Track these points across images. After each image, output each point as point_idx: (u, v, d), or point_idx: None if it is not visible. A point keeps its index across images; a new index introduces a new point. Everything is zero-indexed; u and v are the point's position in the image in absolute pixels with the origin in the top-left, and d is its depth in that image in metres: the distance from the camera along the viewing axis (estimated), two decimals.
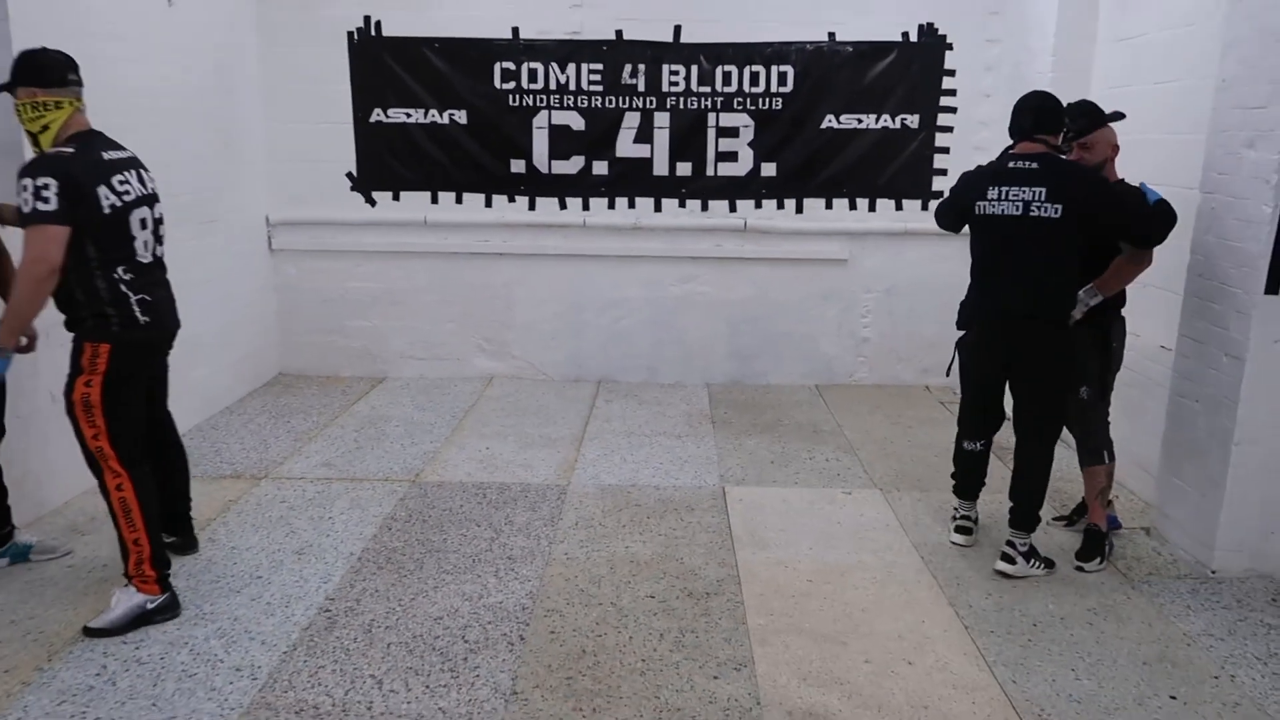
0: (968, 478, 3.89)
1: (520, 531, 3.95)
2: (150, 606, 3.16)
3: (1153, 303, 4.43)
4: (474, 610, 3.29)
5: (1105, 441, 3.74)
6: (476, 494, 4.35)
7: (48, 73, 3.06)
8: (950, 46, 5.96)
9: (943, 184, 6.11)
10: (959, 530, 3.89)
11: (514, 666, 2.95)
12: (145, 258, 3.21)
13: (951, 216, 3.75)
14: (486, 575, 3.55)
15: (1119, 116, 3.68)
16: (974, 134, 6.01)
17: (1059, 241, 3.41)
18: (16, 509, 3.68)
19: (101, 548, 3.70)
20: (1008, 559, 3.58)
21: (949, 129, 6.06)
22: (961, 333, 3.80)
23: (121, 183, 3.11)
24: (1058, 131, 3.53)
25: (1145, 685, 2.90)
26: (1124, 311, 3.83)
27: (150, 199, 3.25)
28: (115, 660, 2.95)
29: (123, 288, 3.11)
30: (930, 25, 5.93)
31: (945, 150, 6.08)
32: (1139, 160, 4.61)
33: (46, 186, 2.88)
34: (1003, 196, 3.45)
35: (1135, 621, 3.28)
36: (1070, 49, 5.14)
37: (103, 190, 3.03)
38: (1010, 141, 3.58)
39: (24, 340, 3.38)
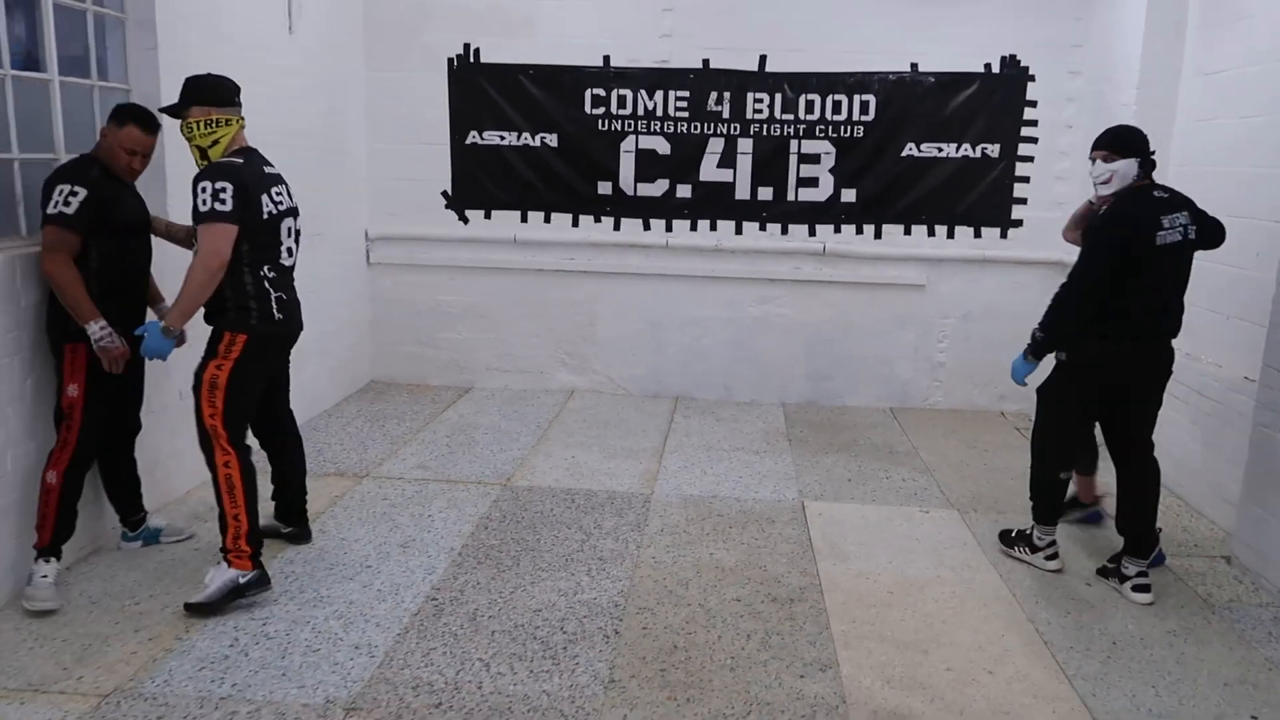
0: (1060, 504, 3.98)
1: (609, 535, 4.14)
2: (243, 581, 3.38)
3: (1237, 334, 4.48)
4: (570, 605, 3.49)
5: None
6: (565, 499, 4.56)
7: (221, 92, 3.43)
8: (1033, 78, 6.06)
9: (1022, 213, 6.21)
10: (1054, 557, 3.91)
11: (610, 657, 3.13)
12: (286, 262, 3.57)
13: (1120, 253, 3.55)
14: (579, 574, 3.75)
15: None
16: (1055, 163, 6.09)
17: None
18: (147, 496, 3.98)
19: None
20: (1144, 588, 3.68)
21: (1030, 159, 6.14)
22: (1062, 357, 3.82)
23: (277, 194, 3.49)
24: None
25: (1226, 705, 2.97)
26: (1206, 343, 3.93)
27: (294, 211, 3.62)
28: (245, 634, 3.21)
29: (266, 284, 3.45)
30: (1013, 57, 6.04)
31: (1025, 179, 6.16)
32: (1221, 191, 4.68)
33: (224, 190, 3.23)
34: (1172, 225, 3.55)
35: (1215, 644, 3.34)
36: (1154, 82, 5.21)
37: (264, 198, 3.39)
38: (1145, 176, 3.62)
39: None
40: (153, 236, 3.74)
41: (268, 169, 3.50)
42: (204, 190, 3.24)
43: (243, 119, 3.47)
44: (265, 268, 3.45)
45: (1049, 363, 3.91)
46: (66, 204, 3.28)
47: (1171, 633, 3.41)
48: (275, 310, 3.47)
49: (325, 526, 4.14)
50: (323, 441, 5.33)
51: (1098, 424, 3.97)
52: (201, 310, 3.39)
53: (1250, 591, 3.76)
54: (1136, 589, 3.67)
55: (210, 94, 3.40)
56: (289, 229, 3.56)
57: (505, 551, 3.94)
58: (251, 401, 3.56)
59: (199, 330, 3.49)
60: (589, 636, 3.26)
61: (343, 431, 5.54)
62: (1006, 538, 4.08)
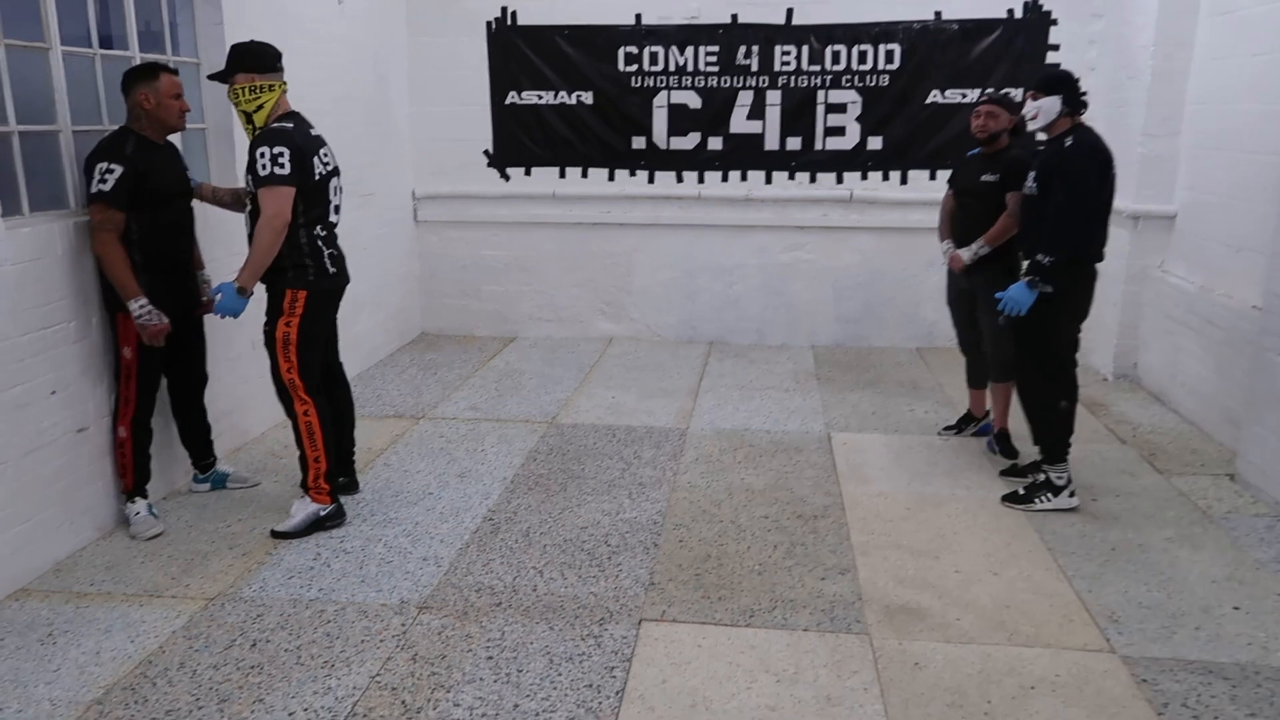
0: (1069, 437, 4.01)
1: (648, 465, 4.49)
2: (323, 514, 3.75)
3: (1248, 266, 4.66)
4: (613, 523, 3.85)
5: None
6: (607, 434, 4.91)
7: (264, 60, 3.59)
8: (1055, 22, 6.19)
9: None
10: (1074, 494, 3.98)
11: (650, 565, 3.49)
12: (334, 219, 3.77)
13: (1101, 176, 3.80)
14: (621, 497, 4.10)
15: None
16: None
17: None
18: (223, 439, 4.39)
19: (298, 471, 4.38)
20: (1072, 492, 3.99)
21: None
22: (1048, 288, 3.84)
23: (325, 155, 3.69)
24: None
25: (1211, 598, 3.25)
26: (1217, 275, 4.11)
27: (337, 171, 3.79)
28: (326, 550, 3.62)
29: (319, 243, 3.67)
30: (1035, 2, 6.17)
31: None
32: (1238, 129, 4.84)
33: (282, 154, 3.44)
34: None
35: (1209, 549, 3.61)
36: (1172, 22, 5.33)
37: (315, 160, 3.60)
38: (1072, 112, 3.84)
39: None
40: (197, 202, 3.93)
41: (313, 132, 3.68)
42: (263, 155, 3.44)
43: (285, 84, 3.64)
44: (318, 227, 3.65)
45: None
46: (104, 181, 3.44)
47: (1169, 539, 3.69)
48: (329, 265, 3.70)
49: (389, 461, 4.54)
50: (380, 388, 5.73)
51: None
52: None
53: (1249, 504, 4.01)
54: (1072, 494, 3.95)
55: (254, 61, 3.56)
56: (335, 188, 3.74)
57: (553, 479, 4.30)
58: (319, 352, 3.79)
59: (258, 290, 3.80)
60: (630, 549, 3.62)
61: (398, 379, 5.94)
62: (1017, 498, 4.02)
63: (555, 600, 3.24)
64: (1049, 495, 3.97)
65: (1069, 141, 3.79)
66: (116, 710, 2.65)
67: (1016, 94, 5.66)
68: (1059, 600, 3.24)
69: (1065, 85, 3.84)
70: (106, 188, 3.45)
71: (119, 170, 3.46)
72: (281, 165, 3.45)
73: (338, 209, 3.79)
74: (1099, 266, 3.90)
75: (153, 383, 3.75)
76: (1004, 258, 4.33)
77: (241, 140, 4.59)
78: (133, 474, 3.74)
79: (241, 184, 3.89)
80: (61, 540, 3.52)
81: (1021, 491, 4.05)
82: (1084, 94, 3.87)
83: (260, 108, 3.58)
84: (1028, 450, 4.28)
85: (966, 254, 4.38)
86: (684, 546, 3.64)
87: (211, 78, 3.75)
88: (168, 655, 2.91)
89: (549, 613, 3.16)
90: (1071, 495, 3.97)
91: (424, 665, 2.86)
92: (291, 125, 3.58)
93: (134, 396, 3.68)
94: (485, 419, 5.16)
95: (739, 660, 2.89)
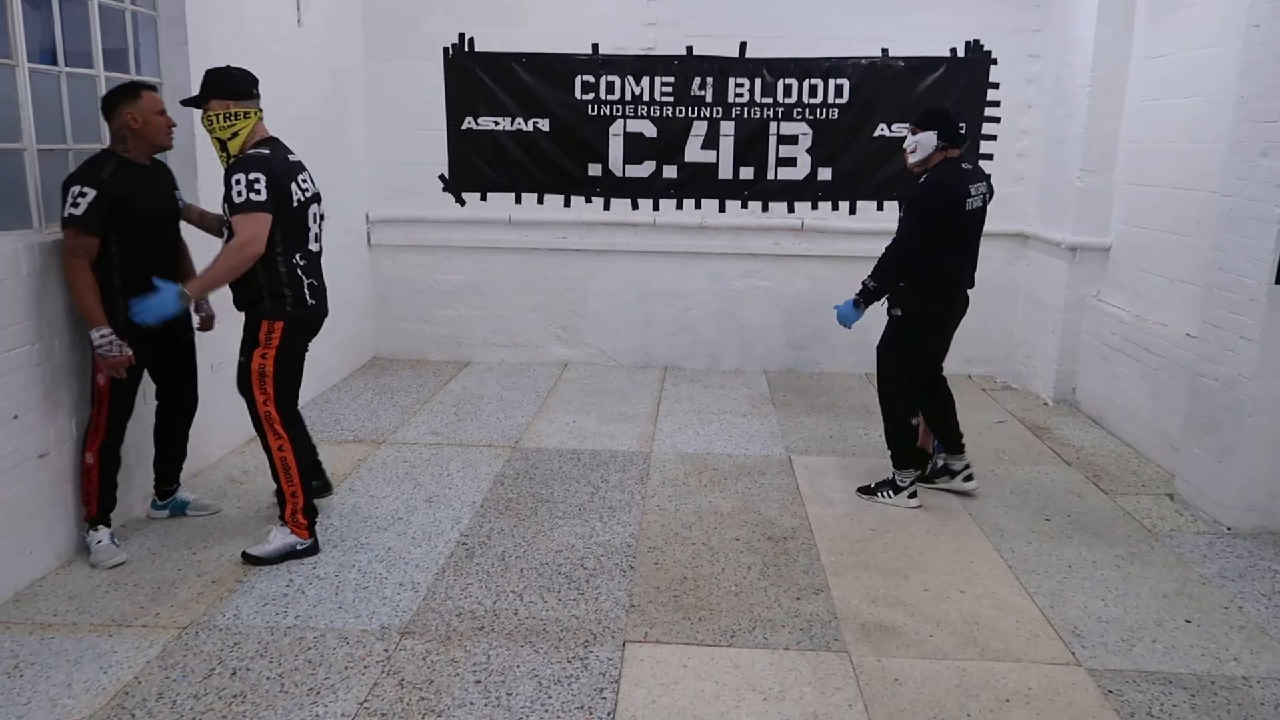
0: (914, 446, 4.44)
1: (615, 488, 4.52)
2: (299, 548, 3.69)
3: (1180, 296, 4.93)
4: (587, 546, 3.87)
5: None
6: (571, 458, 4.94)
7: (239, 86, 3.52)
8: (995, 61, 6.48)
9: None
10: (915, 495, 4.38)
11: (628, 587, 3.53)
12: (314, 247, 3.71)
13: (940, 218, 4.07)
14: (593, 520, 4.13)
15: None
16: (1016, 141, 6.53)
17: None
18: (200, 449, 4.29)
19: (259, 496, 4.32)
20: (969, 478, 4.45)
21: (993, 137, 6.57)
22: (900, 314, 4.28)
23: (303, 181, 3.62)
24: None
25: (1165, 612, 3.42)
26: (1153, 305, 4.35)
27: (317, 198, 3.74)
28: (299, 576, 3.56)
29: (299, 271, 3.59)
30: (977, 42, 6.45)
31: (989, 157, 6.58)
32: (1169, 167, 5.12)
33: (258, 180, 3.37)
34: (976, 193, 4.16)
35: (1158, 565, 3.80)
36: (1106, 65, 5.65)
37: (293, 186, 3.53)
38: (946, 148, 4.16)
39: (200, 317, 4.01)
40: (184, 225, 3.88)
41: (291, 157, 3.62)
42: (238, 182, 3.36)
43: (260, 111, 3.58)
44: (297, 255, 3.57)
45: (879, 323, 4.43)
46: (75, 205, 3.35)
47: (1120, 557, 3.87)
48: (308, 296, 3.63)
49: (354, 486, 4.49)
50: (337, 413, 5.66)
51: None
52: (229, 294, 3.60)
53: (1190, 522, 4.23)
54: (967, 479, 4.46)
55: (229, 87, 3.49)
56: (314, 215, 3.68)
57: (523, 503, 4.31)
58: (297, 383, 3.74)
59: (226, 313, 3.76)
60: (607, 571, 3.65)
61: (354, 403, 5.87)
62: (866, 490, 4.46)
63: (537, 623, 3.25)
64: (890, 493, 4.40)
65: (923, 179, 4.14)
66: None
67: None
68: (1024, 616, 3.37)
69: (942, 121, 4.16)
70: (78, 212, 3.36)
71: (91, 194, 3.37)
72: (257, 191, 3.37)
73: (318, 237, 3.74)
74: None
75: (125, 411, 3.66)
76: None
77: (206, 163, 4.56)
78: (97, 501, 3.64)
79: (213, 210, 3.85)
80: (21, 569, 3.40)
81: (872, 485, 4.48)
82: (961, 129, 4.21)
83: (235, 135, 3.52)
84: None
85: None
86: (660, 569, 3.69)
87: (185, 103, 3.66)
88: (144, 686, 2.84)
89: (533, 636, 3.17)
90: (911, 497, 4.37)
91: (412, 691, 2.84)
92: (268, 151, 3.51)
93: (104, 424, 3.60)
94: (447, 444, 5.14)
95: (725, 679, 2.94)
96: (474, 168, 6.79)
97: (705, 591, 3.51)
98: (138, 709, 2.73)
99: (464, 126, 6.73)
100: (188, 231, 3.98)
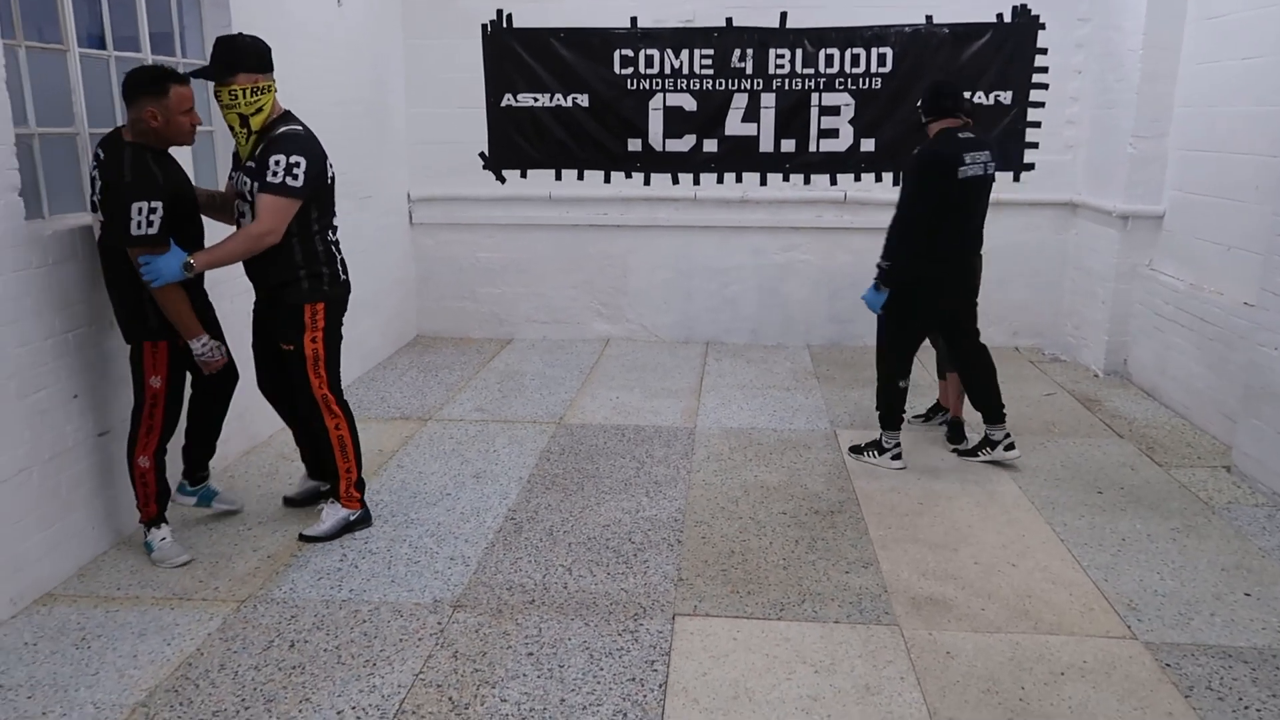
0: (902, 410, 4.54)
1: (660, 463, 4.53)
2: (352, 519, 3.76)
3: (1239, 264, 4.81)
4: (634, 521, 3.89)
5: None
6: (616, 434, 4.95)
7: (266, 58, 3.34)
8: (1043, 26, 6.32)
9: (1034, 156, 6.50)
10: (899, 457, 4.49)
11: (676, 561, 3.54)
12: (339, 223, 3.65)
13: (940, 186, 4.14)
14: (639, 495, 4.15)
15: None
16: (1065, 108, 6.38)
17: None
18: (232, 442, 4.33)
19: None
20: (1011, 446, 4.45)
21: (1040, 104, 6.43)
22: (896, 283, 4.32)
23: (329, 160, 3.50)
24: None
25: (1223, 585, 3.36)
26: (1208, 273, 4.26)
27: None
28: (352, 551, 3.62)
29: (333, 249, 3.57)
30: (1024, 6, 6.30)
31: (1037, 124, 6.45)
32: (1226, 130, 4.98)
33: (298, 164, 3.25)
34: (974, 161, 4.17)
35: (1215, 538, 3.73)
36: (1160, 26, 5.48)
37: (328, 162, 3.46)
38: (931, 120, 4.29)
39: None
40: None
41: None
42: (278, 163, 3.23)
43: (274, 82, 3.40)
44: (330, 232, 3.55)
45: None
46: (150, 225, 3.17)
47: (1175, 530, 3.80)
48: (341, 272, 3.60)
49: (402, 462, 4.54)
50: (384, 390, 5.72)
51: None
52: (242, 271, 3.50)
53: (1248, 494, 4.14)
54: (1008, 448, 4.44)
55: (257, 60, 3.30)
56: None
57: (569, 479, 4.34)
58: (339, 359, 3.67)
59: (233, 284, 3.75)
60: (655, 545, 3.67)
61: (399, 380, 5.93)
62: (856, 449, 4.62)
63: (587, 597, 3.28)
64: (875, 453, 4.53)
65: (916, 150, 4.24)
66: (163, 712, 2.65)
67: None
68: (1078, 590, 3.33)
69: (926, 94, 4.33)
70: (154, 230, 3.18)
71: (160, 207, 3.19)
72: (295, 177, 3.27)
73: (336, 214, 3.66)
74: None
75: (178, 409, 3.56)
76: None
77: (222, 143, 4.56)
78: (156, 502, 3.54)
79: (221, 187, 3.69)
80: (84, 545, 3.49)
81: (862, 445, 4.61)
82: (949, 98, 4.27)
83: (259, 110, 3.34)
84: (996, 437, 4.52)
85: None
86: (707, 543, 3.70)
87: (200, 75, 3.37)
88: (206, 657, 2.91)
89: (583, 609, 3.19)
90: (895, 459, 4.48)
91: (466, 662, 2.88)
92: (303, 129, 3.40)
93: (159, 425, 3.47)
94: (493, 420, 5.18)
95: (775, 652, 2.94)
96: (514, 145, 6.79)
97: (753, 565, 3.51)
98: (201, 679, 2.80)
99: (503, 104, 6.72)
100: None
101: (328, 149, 3.59)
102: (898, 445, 4.51)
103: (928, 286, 4.32)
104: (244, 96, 3.29)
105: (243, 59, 3.29)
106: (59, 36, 3.53)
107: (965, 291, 4.45)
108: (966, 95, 6.34)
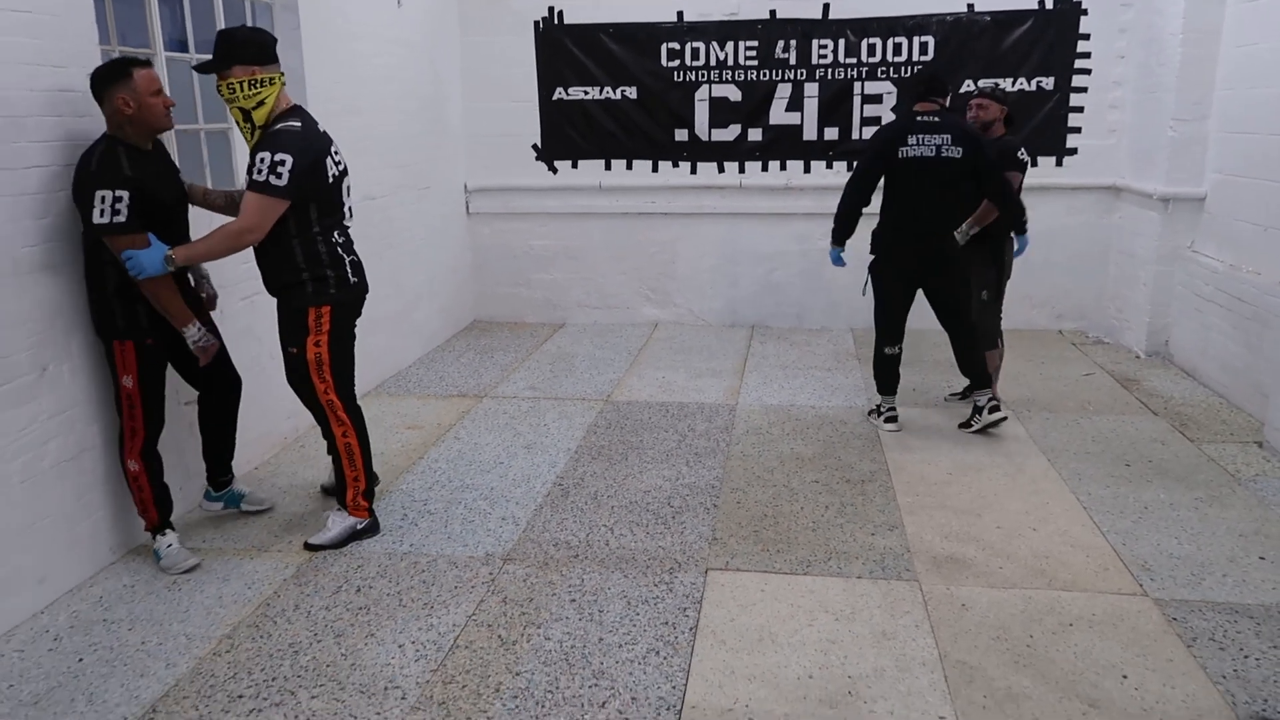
0: (893, 376, 4.86)
1: (701, 436, 4.77)
2: (360, 527, 3.65)
3: (1276, 244, 4.86)
4: (674, 487, 4.13)
5: (997, 332, 4.96)
6: (660, 410, 5.20)
7: (266, 50, 3.23)
8: (1085, 11, 6.38)
9: (1076, 141, 6.57)
10: (891, 420, 4.81)
11: (712, 523, 3.77)
12: (349, 224, 3.53)
13: (878, 165, 4.52)
14: (679, 464, 4.39)
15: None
16: (1108, 93, 6.44)
17: (959, 175, 4.45)
18: (254, 445, 4.38)
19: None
20: (994, 409, 4.63)
21: (1083, 89, 6.49)
22: (871, 258, 4.81)
23: (336, 155, 3.40)
24: (944, 95, 4.57)
25: (1239, 549, 3.48)
26: (1245, 254, 4.35)
27: (347, 172, 3.51)
28: (412, 510, 3.93)
29: (339, 250, 3.43)
30: None
31: (1080, 110, 6.52)
32: (1268, 113, 5.03)
33: (283, 163, 3.12)
34: (920, 142, 4.41)
35: (1237, 507, 3.83)
36: (1200, 10, 5.53)
37: (328, 161, 3.32)
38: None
39: (201, 297, 3.65)
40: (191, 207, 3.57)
41: (320, 129, 3.38)
42: (262, 160, 3.13)
43: (284, 76, 3.31)
44: (335, 233, 3.41)
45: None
46: (117, 213, 3.06)
47: (1199, 499, 3.92)
48: (350, 275, 3.46)
49: (459, 435, 4.85)
50: (442, 370, 6.05)
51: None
52: (247, 275, 3.53)
53: (1277, 468, 4.22)
54: (991, 410, 4.63)
55: (254, 51, 3.20)
56: (347, 189, 3.49)
57: (614, 450, 4.59)
58: (351, 366, 3.59)
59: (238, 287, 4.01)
60: (692, 509, 3.91)
61: (457, 362, 6.26)
62: (867, 413, 5.03)
63: (627, 553, 3.53)
64: (875, 416, 4.91)
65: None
66: (245, 643, 2.97)
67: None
68: (1095, 552, 3.48)
69: (916, 83, 4.63)
70: (122, 219, 3.07)
71: (126, 196, 3.07)
72: (279, 175, 3.14)
73: (350, 211, 3.56)
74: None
75: (159, 408, 3.42)
76: (988, 238, 4.76)
77: (238, 142, 4.44)
78: (154, 507, 3.45)
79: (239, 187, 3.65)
80: (177, 503, 3.81)
81: (868, 409, 5.02)
82: (922, 86, 4.54)
83: (260, 104, 3.22)
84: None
85: (959, 235, 4.65)
86: (741, 507, 3.92)
87: (199, 69, 3.34)
88: (282, 599, 3.23)
89: (622, 563, 3.45)
90: (889, 422, 4.81)
91: (514, 607, 3.16)
92: (300, 125, 3.25)
93: (141, 426, 3.35)
94: (544, 397, 5.46)
95: (799, 602, 3.16)
96: (565, 137, 7.07)
97: (784, 527, 3.73)
98: (278, 617, 3.12)
99: (555, 97, 7.00)
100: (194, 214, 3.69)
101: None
102: (892, 409, 4.84)
103: (880, 259, 4.73)
104: (242, 89, 3.20)
105: (238, 51, 3.20)
106: (147, 41, 3.88)
107: (922, 270, 4.67)
108: (1001, 82, 6.47)
